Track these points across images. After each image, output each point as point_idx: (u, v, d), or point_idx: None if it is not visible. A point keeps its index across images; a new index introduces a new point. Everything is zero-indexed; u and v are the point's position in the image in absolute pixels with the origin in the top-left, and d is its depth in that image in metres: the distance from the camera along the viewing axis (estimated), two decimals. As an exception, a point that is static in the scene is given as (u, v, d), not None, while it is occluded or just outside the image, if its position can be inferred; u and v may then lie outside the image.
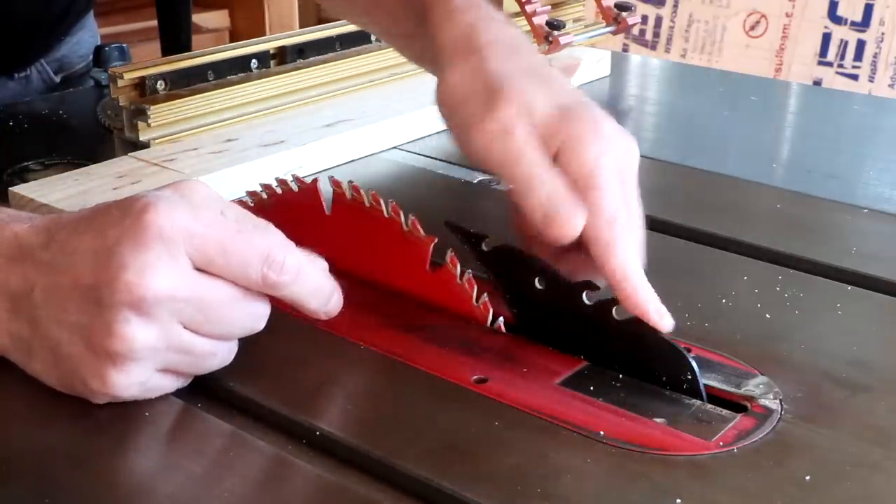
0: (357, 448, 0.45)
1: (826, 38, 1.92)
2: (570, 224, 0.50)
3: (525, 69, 0.55)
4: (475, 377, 0.50)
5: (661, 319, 0.49)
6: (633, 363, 0.50)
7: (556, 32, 0.97)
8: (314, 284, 0.49)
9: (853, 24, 1.90)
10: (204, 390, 0.49)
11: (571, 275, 0.52)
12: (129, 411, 0.48)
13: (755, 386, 0.50)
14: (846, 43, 1.91)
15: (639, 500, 0.42)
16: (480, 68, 0.55)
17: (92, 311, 0.45)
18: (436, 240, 0.55)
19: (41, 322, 0.47)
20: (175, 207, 0.46)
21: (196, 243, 0.45)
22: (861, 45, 1.89)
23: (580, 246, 0.52)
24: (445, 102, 0.55)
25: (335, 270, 0.51)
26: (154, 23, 1.39)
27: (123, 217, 0.45)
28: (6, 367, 0.52)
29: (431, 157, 0.80)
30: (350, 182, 0.57)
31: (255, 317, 0.49)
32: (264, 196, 0.61)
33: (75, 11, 0.98)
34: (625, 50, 1.97)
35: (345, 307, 0.55)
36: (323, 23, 0.94)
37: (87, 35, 1.02)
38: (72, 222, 0.47)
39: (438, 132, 0.83)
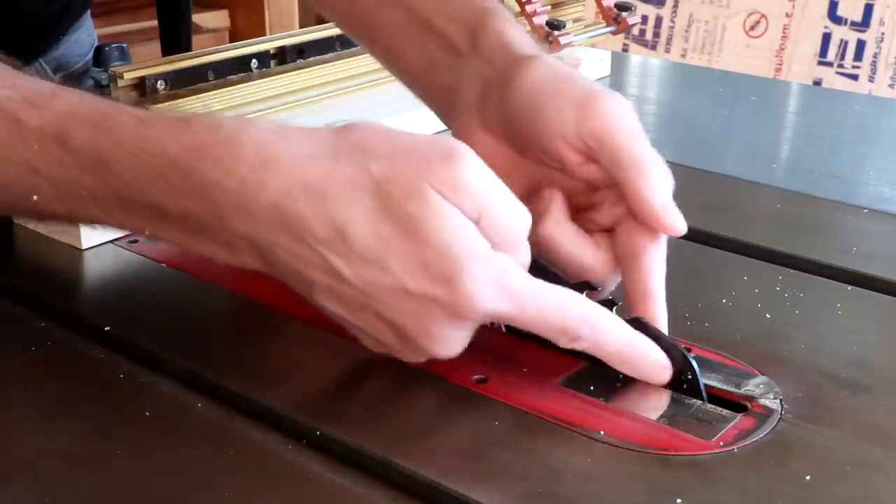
0: (357, 448, 0.45)
1: (826, 38, 1.92)
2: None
3: None
4: (475, 377, 0.50)
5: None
6: (633, 363, 0.50)
7: (556, 32, 0.97)
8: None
9: (853, 24, 1.90)
10: (204, 390, 0.49)
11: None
12: (130, 411, 0.48)
13: (755, 386, 0.50)
14: (846, 43, 1.91)
15: (639, 500, 0.42)
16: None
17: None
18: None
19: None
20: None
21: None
22: (861, 45, 1.89)
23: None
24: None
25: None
26: (154, 23, 1.39)
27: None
28: (6, 366, 0.52)
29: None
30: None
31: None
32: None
33: (74, 10, 0.98)
34: (625, 50, 1.97)
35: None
36: (323, 23, 0.93)
37: (85, 34, 1.02)
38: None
39: (438, 132, 0.83)
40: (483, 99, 0.57)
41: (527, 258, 0.48)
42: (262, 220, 0.45)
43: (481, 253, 0.44)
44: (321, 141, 0.46)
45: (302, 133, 0.46)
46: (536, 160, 0.55)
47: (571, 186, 0.55)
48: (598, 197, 0.55)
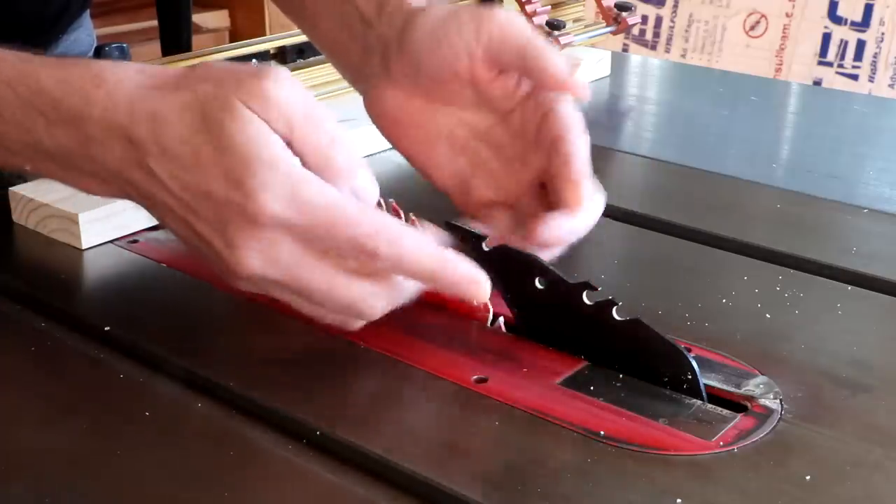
0: (357, 448, 0.45)
1: (826, 38, 1.92)
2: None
3: None
4: (475, 377, 0.50)
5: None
6: (633, 363, 0.50)
7: (556, 32, 0.97)
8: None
9: (853, 24, 1.90)
10: (204, 390, 0.49)
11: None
12: (130, 411, 0.48)
13: (755, 386, 0.50)
14: (846, 43, 1.91)
15: (639, 500, 0.42)
16: None
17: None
18: (436, 239, 0.55)
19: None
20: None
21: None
22: (861, 45, 1.89)
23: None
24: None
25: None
26: (154, 23, 1.39)
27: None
28: (6, 366, 0.52)
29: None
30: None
31: None
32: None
33: (73, 9, 0.98)
34: (625, 50, 1.97)
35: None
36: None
37: (84, 34, 1.02)
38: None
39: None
40: (385, 58, 0.58)
41: (355, 185, 0.48)
42: (115, 147, 0.48)
43: (278, 162, 0.46)
44: (168, 72, 0.49)
45: (155, 68, 0.50)
46: (447, 99, 0.58)
47: (483, 124, 0.58)
48: (520, 146, 0.58)
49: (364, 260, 0.47)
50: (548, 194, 0.56)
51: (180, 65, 0.80)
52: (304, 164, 0.46)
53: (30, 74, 0.50)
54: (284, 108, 0.46)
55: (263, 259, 0.47)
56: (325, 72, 0.88)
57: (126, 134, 0.47)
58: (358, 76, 0.63)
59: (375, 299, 0.49)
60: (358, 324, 0.51)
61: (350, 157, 0.48)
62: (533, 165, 0.57)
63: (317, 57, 0.90)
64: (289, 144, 0.46)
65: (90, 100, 0.48)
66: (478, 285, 0.49)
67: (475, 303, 0.51)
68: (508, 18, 0.56)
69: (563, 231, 0.53)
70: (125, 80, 0.48)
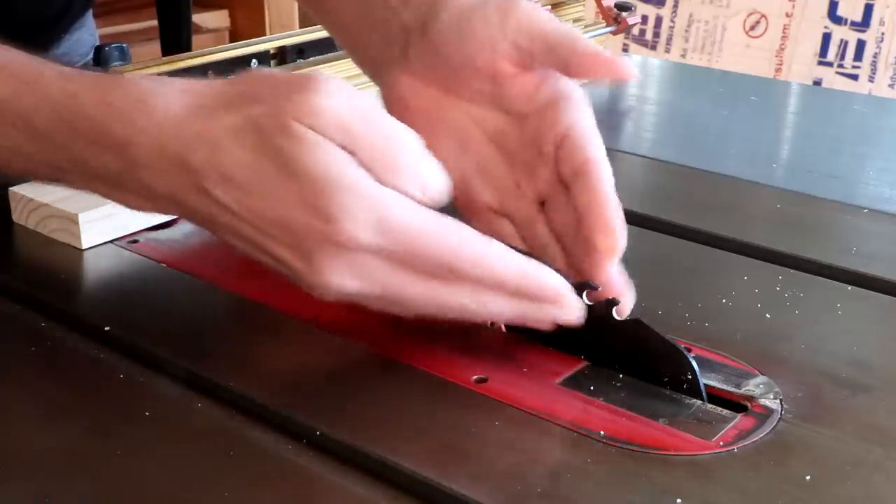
0: (357, 448, 0.45)
1: (826, 38, 1.92)
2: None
3: None
4: (475, 377, 0.50)
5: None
6: (633, 363, 0.50)
7: (556, 32, 0.97)
8: None
9: (853, 24, 1.90)
10: (204, 390, 0.49)
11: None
12: (130, 411, 0.48)
13: (755, 386, 0.50)
14: (846, 43, 1.91)
15: (639, 500, 0.42)
16: None
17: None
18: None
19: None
20: None
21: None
22: (861, 45, 1.89)
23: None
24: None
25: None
26: (154, 23, 1.39)
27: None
28: (6, 366, 0.52)
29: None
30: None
31: None
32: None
33: (75, 9, 0.98)
34: (625, 50, 1.97)
35: (345, 307, 0.55)
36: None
37: (87, 34, 1.02)
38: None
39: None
40: (406, 46, 0.57)
41: (423, 181, 0.47)
42: (169, 173, 0.48)
43: (357, 186, 0.45)
44: (214, 91, 0.48)
45: (199, 86, 0.49)
46: (464, 94, 0.56)
47: (496, 124, 0.56)
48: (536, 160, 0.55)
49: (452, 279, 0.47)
50: (546, 212, 0.55)
51: (180, 64, 0.80)
52: (369, 169, 0.45)
53: (71, 96, 0.49)
54: (340, 120, 0.45)
55: (354, 278, 0.46)
56: (325, 72, 0.88)
57: (181, 161, 0.47)
58: (377, 68, 0.61)
59: (481, 296, 0.48)
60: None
61: (413, 153, 0.47)
62: (539, 180, 0.55)
63: (317, 57, 0.90)
64: (352, 154, 0.45)
65: (137, 127, 0.48)
66: (562, 297, 0.48)
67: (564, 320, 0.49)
68: (535, 10, 0.54)
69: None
70: (172, 105, 0.47)
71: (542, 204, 0.55)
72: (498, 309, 0.48)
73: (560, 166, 0.54)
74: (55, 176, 0.53)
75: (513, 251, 0.48)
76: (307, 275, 0.47)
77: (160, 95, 0.48)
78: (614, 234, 0.51)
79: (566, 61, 0.53)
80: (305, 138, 0.45)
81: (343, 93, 0.46)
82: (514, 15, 0.54)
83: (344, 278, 0.46)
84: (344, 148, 0.45)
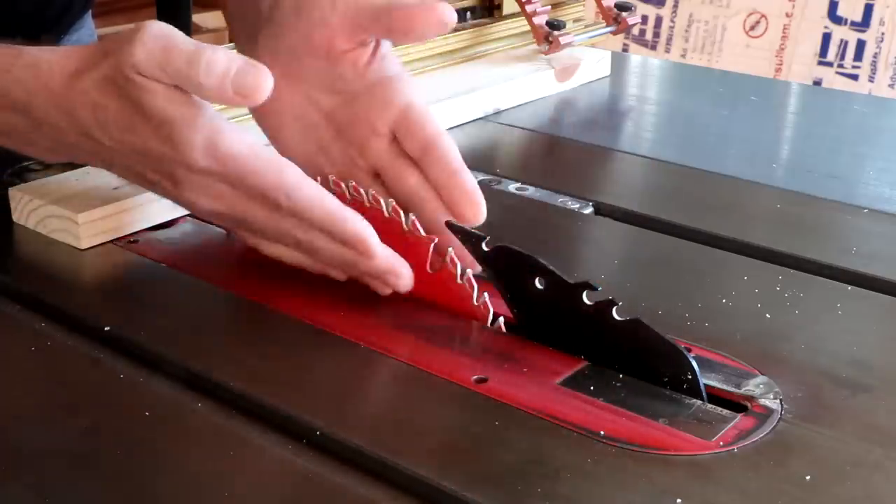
0: (357, 448, 0.45)
1: (826, 38, 1.92)
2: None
3: None
4: (475, 377, 0.50)
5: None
6: (633, 363, 0.50)
7: (556, 32, 0.97)
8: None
9: (853, 24, 1.90)
10: (204, 390, 0.49)
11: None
12: (130, 411, 0.48)
13: (755, 386, 0.50)
14: (846, 43, 1.91)
15: (639, 500, 0.42)
16: None
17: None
18: (436, 239, 0.55)
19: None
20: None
21: None
22: (861, 45, 1.89)
23: None
24: None
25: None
26: (154, 23, 1.39)
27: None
28: (6, 366, 0.52)
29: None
30: (350, 182, 0.57)
31: None
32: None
33: (75, 10, 0.98)
34: (625, 50, 1.97)
35: (344, 307, 0.55)
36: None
37: (86, 34, 1.02)
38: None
39: (449, 128, 0.83)
40: (255, 33, 0.61)
41: (238, 85, 0.51)
42: (62, 126, 0.55)
43: (190, 118, 0.52)
44: (85, 53, 0.55)
45: (77, 50, 0.55)
46: (302, 76, 0.60)
47: (329, 104, 0.61)
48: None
49: (271, 210, 0.53)
50: (383, 182, 0.60)
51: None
52: (207, 97, 0.52)
53: None
54: (162, 61, 0.51)
55: (207, 197, 0.54)
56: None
57: (70, 115, 0.54)
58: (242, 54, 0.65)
59: (307, 232, 0.54)
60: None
61: (215, 63, 0.51)
62: (372, 154, 0.60)
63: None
64: (178, 87, 0.51)
65: (31, 90, 0.55)
66: (365, 242, 0.53)
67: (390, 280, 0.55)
68: None
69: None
70: (55, 67, 0.54)
71: (376, 175, 0.60)
72: (327, 251, 0.54)
73: (405, 143, 0.59)
74: None
75: (329, 194, 0.53)
76: (174, 193, 0.55)
77: (46, 61, 0.55)
78: (476, 201, 0.57)
79: (389, 26, 0.57)
80: (143, 86, 0.51)
81: (150, 37, 0.51)
82: None
83: (199, 197, 0.54)
84: (158, 81, 0.51)
